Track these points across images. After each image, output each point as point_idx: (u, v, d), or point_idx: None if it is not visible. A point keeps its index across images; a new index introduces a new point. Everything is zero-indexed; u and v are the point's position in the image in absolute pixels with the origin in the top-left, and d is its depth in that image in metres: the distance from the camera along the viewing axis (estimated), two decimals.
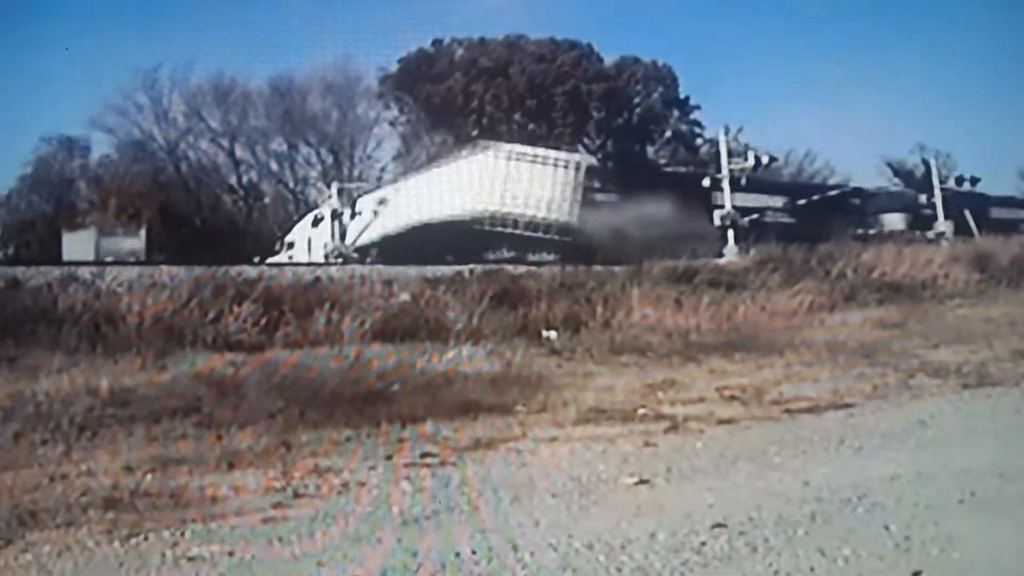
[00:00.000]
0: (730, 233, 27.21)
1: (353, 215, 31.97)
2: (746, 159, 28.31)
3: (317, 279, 16.03)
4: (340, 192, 32.83)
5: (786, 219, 32.84)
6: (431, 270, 17.97)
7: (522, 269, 18.81)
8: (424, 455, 7.61)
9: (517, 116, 42.22)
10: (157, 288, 13.43)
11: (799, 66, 72.62)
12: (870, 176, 46.20)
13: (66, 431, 8.02)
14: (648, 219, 27.04)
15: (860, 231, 31.00)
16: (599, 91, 43.46)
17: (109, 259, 25.50)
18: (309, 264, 18.12)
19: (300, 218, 37.45)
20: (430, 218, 30.17)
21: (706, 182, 28.30)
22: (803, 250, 22.69)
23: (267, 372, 10.42)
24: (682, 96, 46.67)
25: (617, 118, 44.74)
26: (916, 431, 8.20)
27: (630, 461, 7.34)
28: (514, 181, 29.68)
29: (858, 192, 38.43)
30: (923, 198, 35.40)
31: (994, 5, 64.79)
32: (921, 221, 35.03)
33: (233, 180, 46.57)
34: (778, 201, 33.83)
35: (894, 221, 35.26)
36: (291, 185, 47.23)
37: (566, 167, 30.15)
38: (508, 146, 31.72)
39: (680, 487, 6.55)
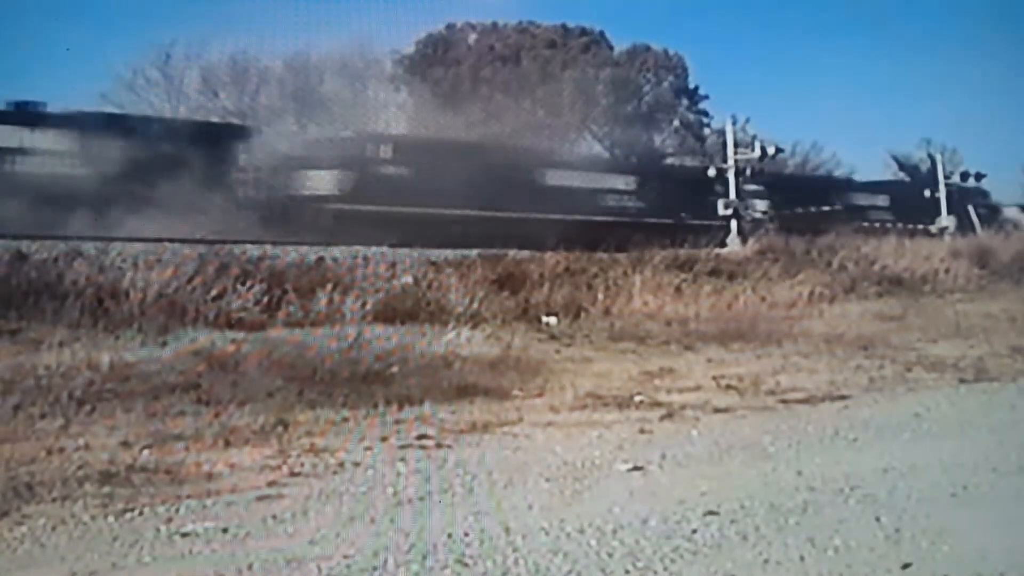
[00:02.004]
0: (733, 223, 27.12)
1: None
2: (752, 149, 28.18)
3: (320, 259, 16.06)
4: None
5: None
6: (435, 253, 17.98)
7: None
8: (420, 437, 7.65)
9: (526, 103, 42.01)
10: (161, 265, 13.47)
11: (808, 59, 72.00)
12: (877, 169, 46.17)
13: (65, 405, 8.05)
14: None
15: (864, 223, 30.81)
16: (607, 78, 43.26)
17: None
18: (313, 244, 18.02)
19: None
20: None
21: (711, 172, 28.16)
22: (804, 241, 22.64)
23: (267, 350, 10.46)
24: (691, 86, 46.53)
25: (626, 106, 44.53)
26: (911, 424, 8.23)
27: (625, 447, 7.37)
28: None
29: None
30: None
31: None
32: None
33: None
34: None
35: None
36: None
37: None
38: None
39: (673, 474, 6.58)
